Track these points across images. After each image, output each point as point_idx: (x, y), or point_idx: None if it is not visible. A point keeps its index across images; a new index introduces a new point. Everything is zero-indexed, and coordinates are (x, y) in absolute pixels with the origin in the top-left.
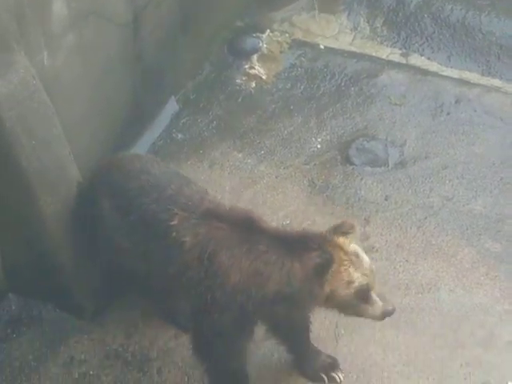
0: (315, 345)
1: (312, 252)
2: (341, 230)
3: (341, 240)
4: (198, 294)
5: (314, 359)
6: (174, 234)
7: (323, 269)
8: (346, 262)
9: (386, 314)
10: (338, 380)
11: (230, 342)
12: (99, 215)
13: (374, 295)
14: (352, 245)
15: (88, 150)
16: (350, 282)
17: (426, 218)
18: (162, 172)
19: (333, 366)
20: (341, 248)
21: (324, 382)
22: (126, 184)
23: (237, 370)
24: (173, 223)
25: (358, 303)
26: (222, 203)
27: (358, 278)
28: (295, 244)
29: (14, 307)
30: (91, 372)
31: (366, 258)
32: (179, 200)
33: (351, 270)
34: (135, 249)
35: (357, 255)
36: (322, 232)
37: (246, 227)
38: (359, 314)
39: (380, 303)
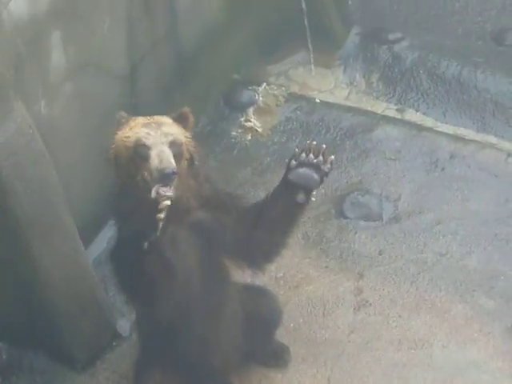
0: None
1: None
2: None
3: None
4: None
5: None
6: None
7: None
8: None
9: (160, 173)
10: None
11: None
12: None
13: (154, 155)
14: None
15: (82, 197)
16: (127, 137)
17: (419, 273)
18: None
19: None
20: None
21: None
22: None
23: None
24: None
25: (138, 161)
26: None
27: (135, 134)
28: None
29: (4, 356)
30: None
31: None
32: None
33: (130, 128)
34: None
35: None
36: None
37: None
38: (140, 175)
39: (156, 161)
